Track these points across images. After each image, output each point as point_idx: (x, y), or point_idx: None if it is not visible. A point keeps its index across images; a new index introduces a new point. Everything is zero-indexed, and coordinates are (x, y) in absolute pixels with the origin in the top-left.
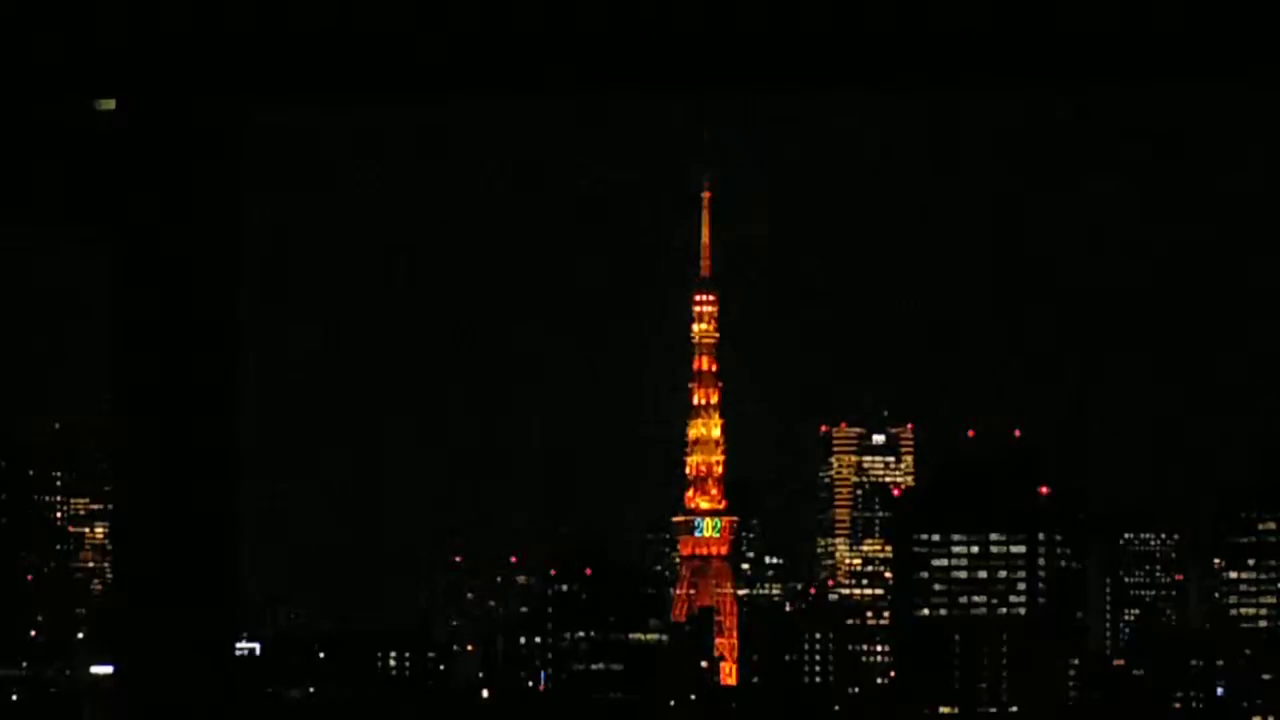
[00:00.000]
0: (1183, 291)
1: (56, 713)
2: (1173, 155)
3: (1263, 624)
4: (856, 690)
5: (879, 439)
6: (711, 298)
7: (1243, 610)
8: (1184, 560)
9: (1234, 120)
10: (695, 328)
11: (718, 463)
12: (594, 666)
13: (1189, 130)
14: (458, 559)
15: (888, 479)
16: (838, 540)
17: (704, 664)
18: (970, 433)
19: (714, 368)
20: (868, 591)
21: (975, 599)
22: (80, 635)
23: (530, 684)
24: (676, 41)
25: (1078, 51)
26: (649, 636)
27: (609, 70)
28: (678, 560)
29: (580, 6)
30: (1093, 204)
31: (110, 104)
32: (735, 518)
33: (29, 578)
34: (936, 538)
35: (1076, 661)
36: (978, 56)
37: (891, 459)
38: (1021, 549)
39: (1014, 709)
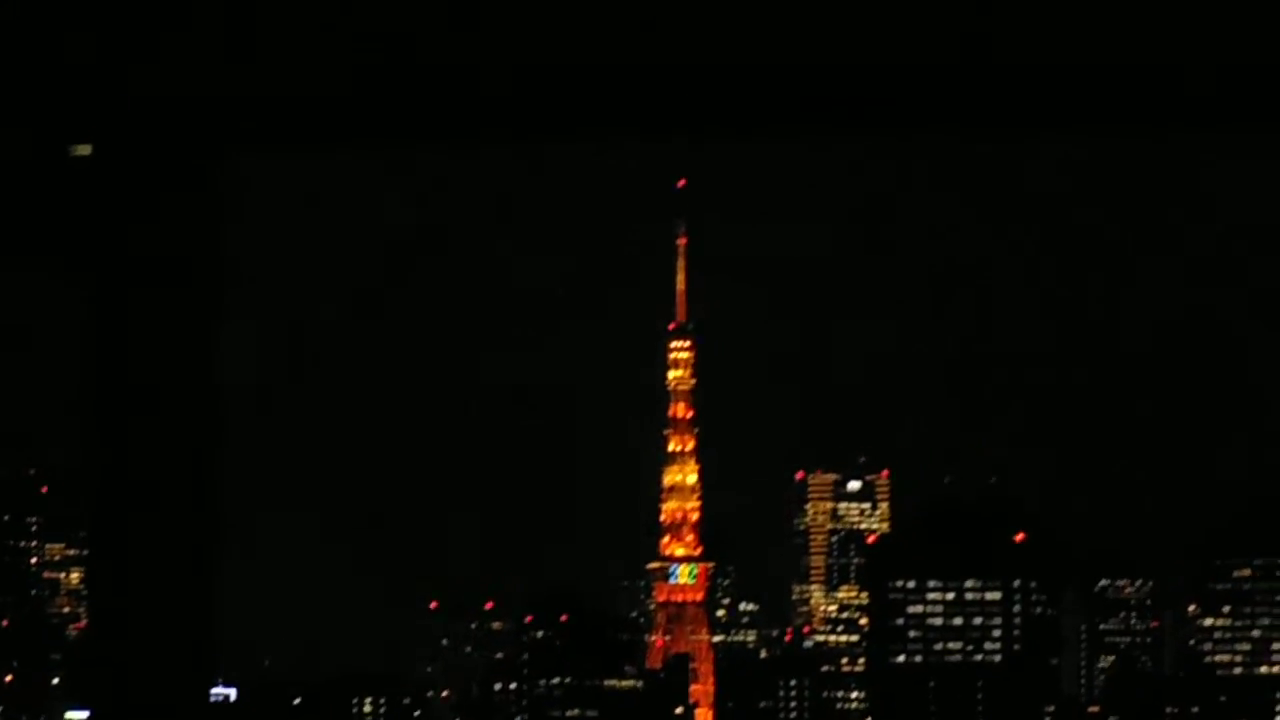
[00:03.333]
0: (1160, 339)
1: None
2: (1133, 208)
3: (1238, 671)
4: None
5: (854, 485)
6: (687, 344)
7: (1218, 657)
8: (1159, 607)
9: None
10: (671, 374)
11: (693, 509)
12: (569, 713)
13: (1141, 181)
14: (433, 605)
15: (863, 525)
16: (813, 587)
17: (679, 710)
18: (946, 479)
19: (690, 414)
20: (843, 638)
21: (950, 645)
22: (55, 681)
23: None
24: (654, 84)
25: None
26: (624, 683)
27: (590, 115)
28: (653, 607)
29: (566, 49)
30: (1074, 245)
31: (86, 149)
32: (711, 564)
33: (3, 623)
34: (912, 584)
35: (1052, 708)
36: (945, 99)
37: (867, 505)
38: (997, 595)
39: None
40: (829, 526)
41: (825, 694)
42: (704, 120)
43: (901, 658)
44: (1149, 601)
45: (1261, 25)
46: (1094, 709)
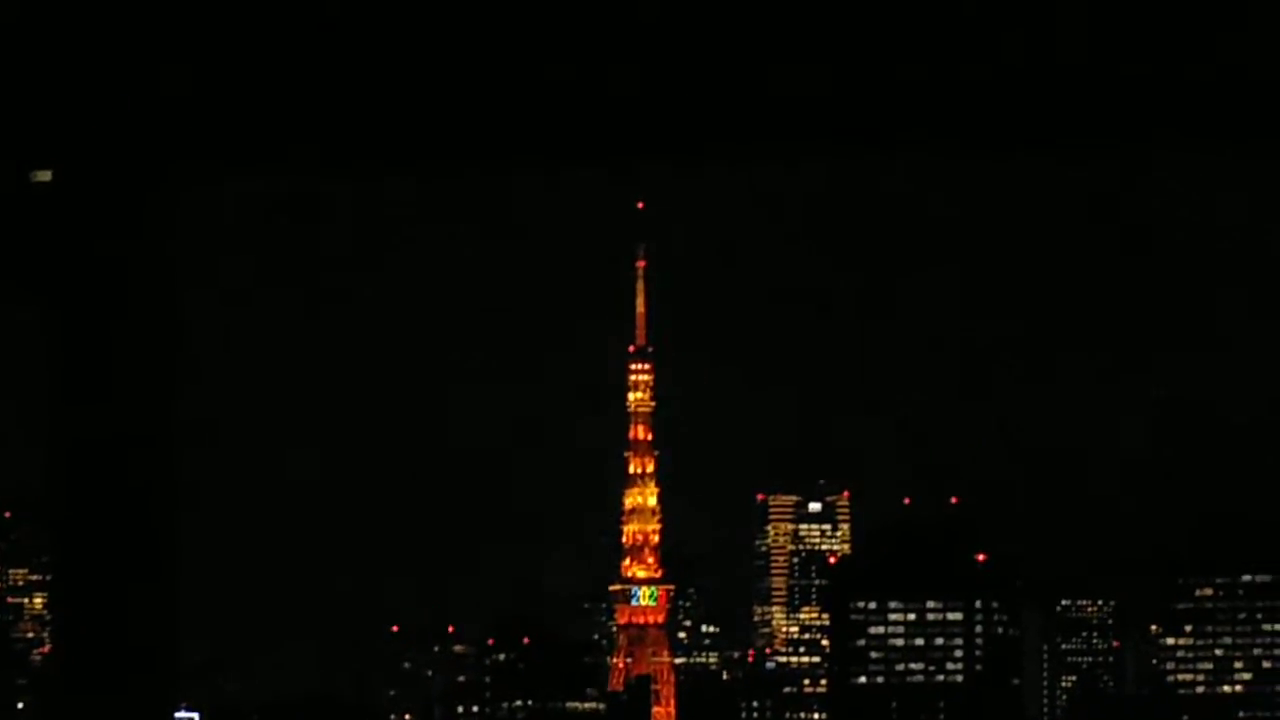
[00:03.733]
0: (1122, 358)
1: None
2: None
3: (1200, 690)
4: None
5: (815, 507)
6: (647, 366)
7: (1180, 677)
8: (1121, 627)
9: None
10: (631, 396)
11: (654, 531)
12: None
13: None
14: (394, 628)
15: (824, 547)
16: (774, 608)
17: None
18: (906, 500)
19: (649, 436)
20: (805, 659)
21: (912, 666)
22: (20, 706)
23: None
24: (620, 110)
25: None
26: (586, 706)
27: (565, 142)
28: (614, 629)
29: (537, 76)
30: (1037, 262)
31: (46, 175)
32: (672, 586)
33: None
34: (873, 605)
35: None
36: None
37: (828, 526)
38: (958, 616)
39: None
40: (790, 548)
41: (788, 715)
42: (658, 146)
43: (864, 679)
44: (1110, 621)
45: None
46: None
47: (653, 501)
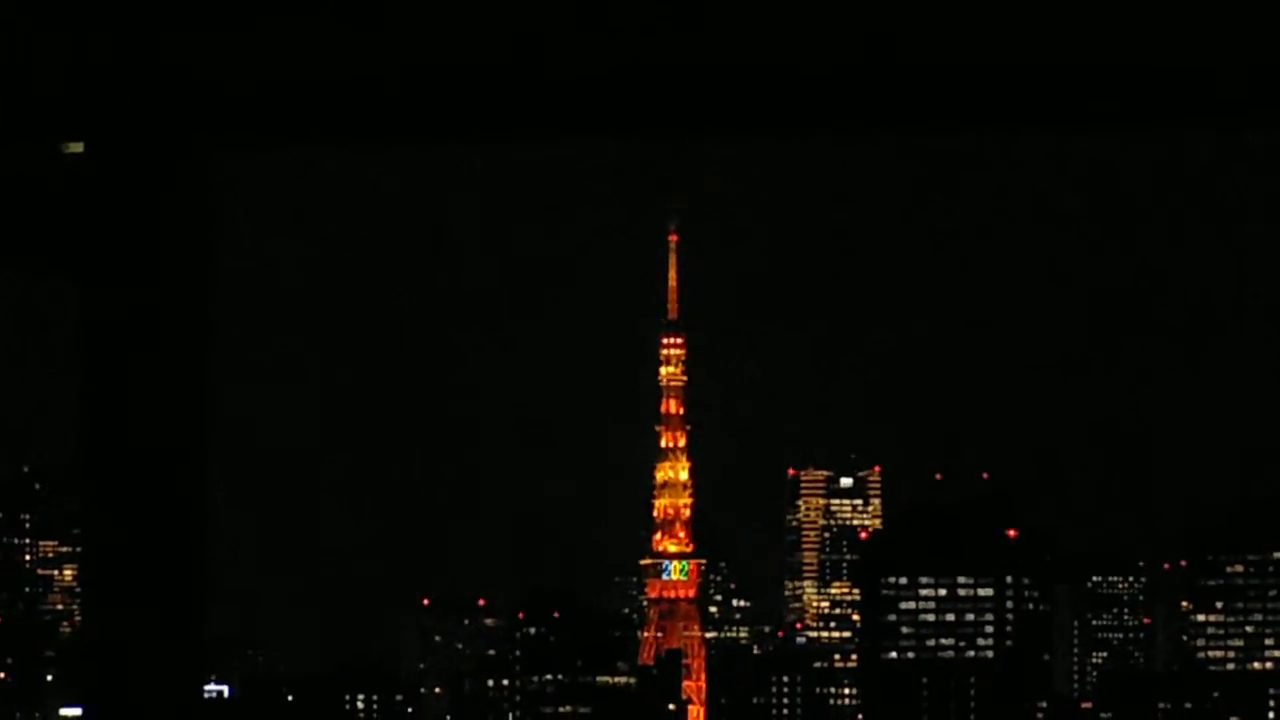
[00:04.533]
0: (1154, 338)
1: None
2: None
3: (1230, 666)
4: None
5: (846, 482)
6: (679, 340)
7: (1211, 653)
8: (1151, 603)
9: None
10: (663, 370)
11: (685, 506)
12: (562, 709)
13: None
14: (426, 601)
15: (855, 522)
16: (805, 583)
17: (671, 707)
18: (938, 475)
19: (681, 411)
20: (835, 634)
21: (943, 641)
22: (49, 678)
23: None
24: (651, 83)
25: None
26: (617, 679)
27: (585, 114)
28: (645, 603)
29: (556, 48)
30: (1062, 240)
31: (78, 147)
32: (703, 561)
33: None
34: (904, 580)
35: (1044, 704)
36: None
37: (859, 502)
38: (989, 592)
39: None
40: (821, 523)
41: (817, 690)
42: (696, 120)
43: (894, 654)
44: (1141, 597)
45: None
46: (1086, 705)
47: (684, 476)
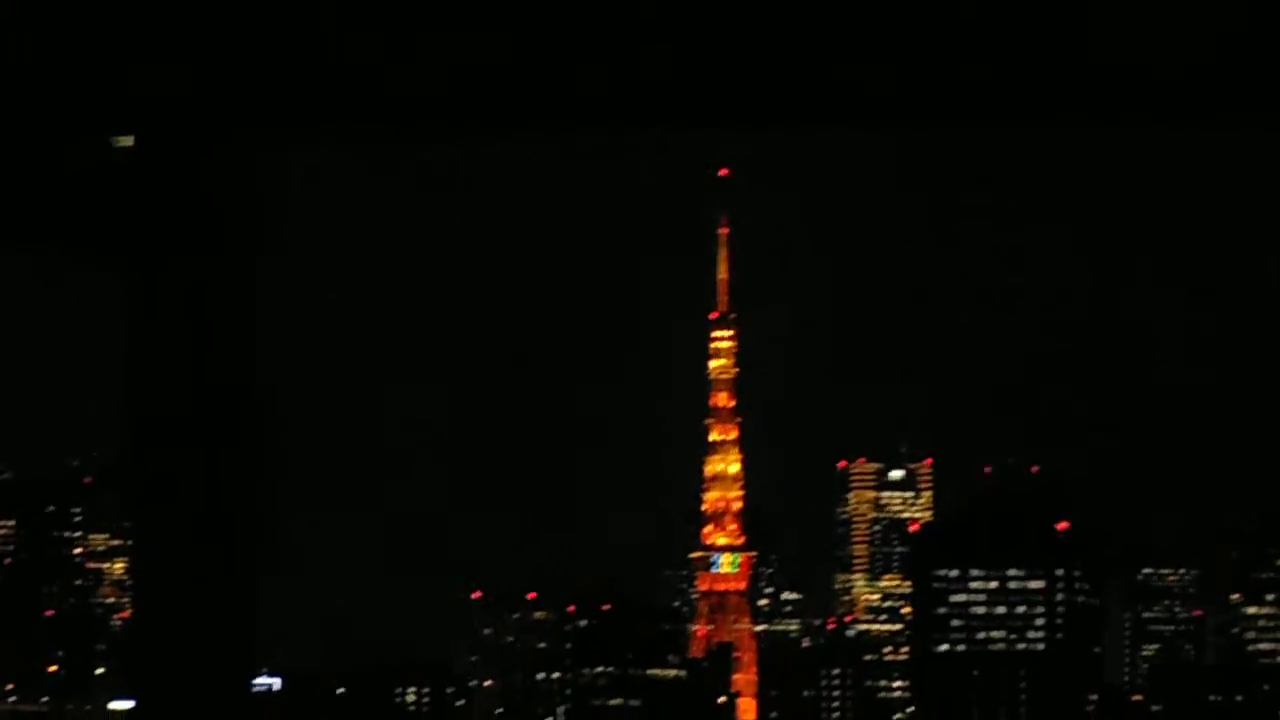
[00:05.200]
0: (1204, 327)
1: None
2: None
3: None
4: None
5: (897, 474)
6: (729, 333)
7: (1261, 646)
8: (1203, 596)
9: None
10: (712, 363)
11: (736, 498)
12: (612, 702)
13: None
14: (476, 594)
15: (905, 514)
16: (856, 576)
17: (721, 700)
18: (988, 468)
19: (731, 403)
20: (886, 627)
21: (994, 634)
22: (99, 671)
23: (548, 719)
24: (692, 76)
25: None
26: (667, 672)
27: (626, 107)
28: (695, 596)
29: (600, 44)
30: (1114, 233)
31: (129, 141)
32: (753, 553)
33: (48, 613)
34: (955, 573)
35: (1095, 697)
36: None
37: (910, 494)
38: (1040, 584)
39: None
40: (871, 515)
41: (868, 683)
42: (746, 112)
43: (944, 646)
44: (1192, 590)
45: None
46: (1137, 698)
47: (735, 468)
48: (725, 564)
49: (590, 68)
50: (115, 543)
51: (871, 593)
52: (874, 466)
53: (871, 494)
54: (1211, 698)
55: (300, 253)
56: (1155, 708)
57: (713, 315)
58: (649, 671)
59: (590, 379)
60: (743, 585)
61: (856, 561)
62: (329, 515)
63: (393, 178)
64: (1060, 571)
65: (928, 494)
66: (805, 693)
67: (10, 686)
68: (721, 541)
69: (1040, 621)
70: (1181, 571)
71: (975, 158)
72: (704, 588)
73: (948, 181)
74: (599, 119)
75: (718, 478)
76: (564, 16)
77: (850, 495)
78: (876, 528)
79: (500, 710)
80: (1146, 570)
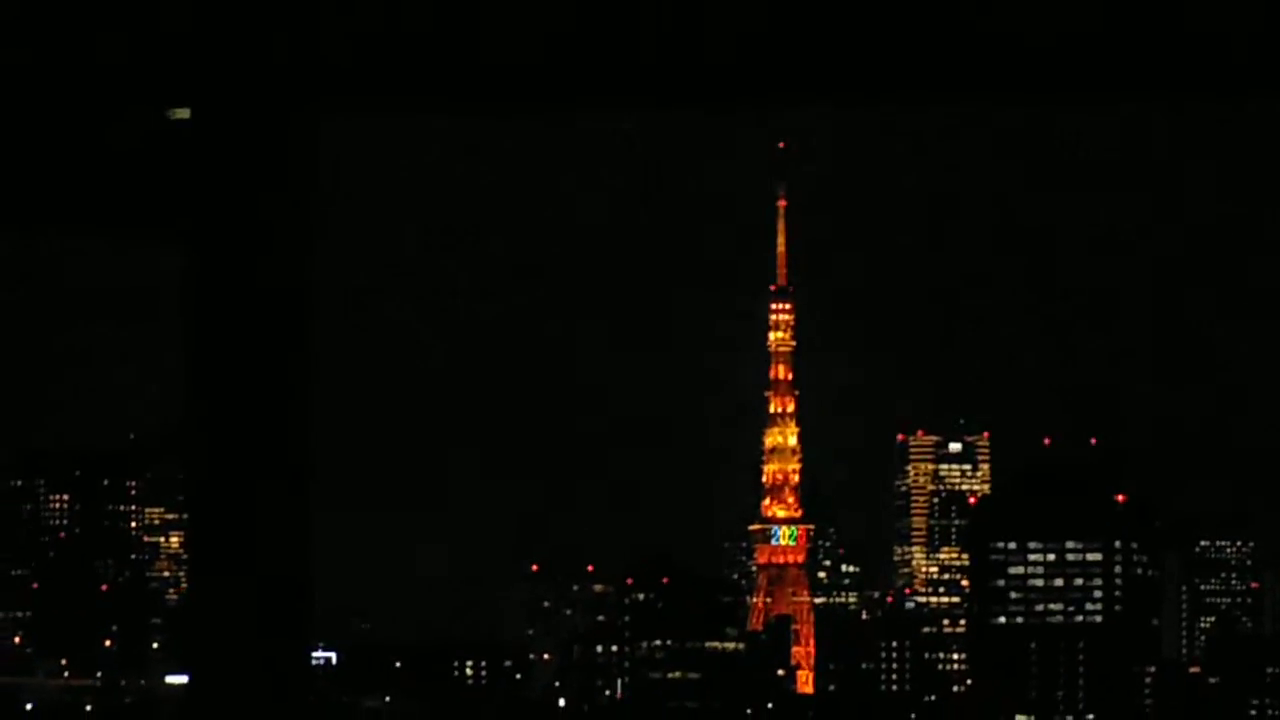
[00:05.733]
0: (1262, 302)
1: None
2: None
3: None
4: (933, 698)
5: (955, 447)
6: (788, 306)
7: None
8: (1260, 568)
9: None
10: (771, 336)
11: (794, 471)
12: (670, 675)
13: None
14: (534, 568)
15: (964, 487)
16: (914, 548)
17: (780, 672)
18: (1046, 440)
19: (790, 376)
20: (944, 599)
21: (1051, 607)
22: (155, 645)
23: (607, 693)
24: (742, 54)
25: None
26: (726, 645)
27: (674, 87)
28: (754, 568)
29: (647, 23)
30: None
31: (185, 113)
32: (811, 526)
33: (104, 588)
34: (1013, 546)
35: (1153, 669)
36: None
37: (968, 467)
38: (1098, 556)
39: (1090, 716)
40: (930, 488)
41: (926, 655)
42: (805, 87)
43: (1003, 619)
44: (1249, 562)
45: None
46: (1195, 669)
47: (793, 441)
48: (784, 536)
49: (650, 43)
50: (170, 517)
51: (930, 565)
52: (932, 439)
53: (930, 466)
54: (1269, 669)
55: (349, 223)
56: (1213, 679)
57: (772, 288)
58: (707, 644)
59: (651, 352)
60: (801, 558)
61: (915, 534)
62: (385, 484)
63: (456, 151)
64: (1118, 544)
65: (986, 467)
66: (864, 665)
67: (64, 661)
68: (780, 514)
69: (1098, 594)
70: (1239, 544)
71: (1045, 132)
72: (763, 560)
73: (1001, 159)
74: (656, 96)
75: (776, 450)
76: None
77: (909, 468)
78: (935, 500)
79: (558, 684)
80: (1204, 543)
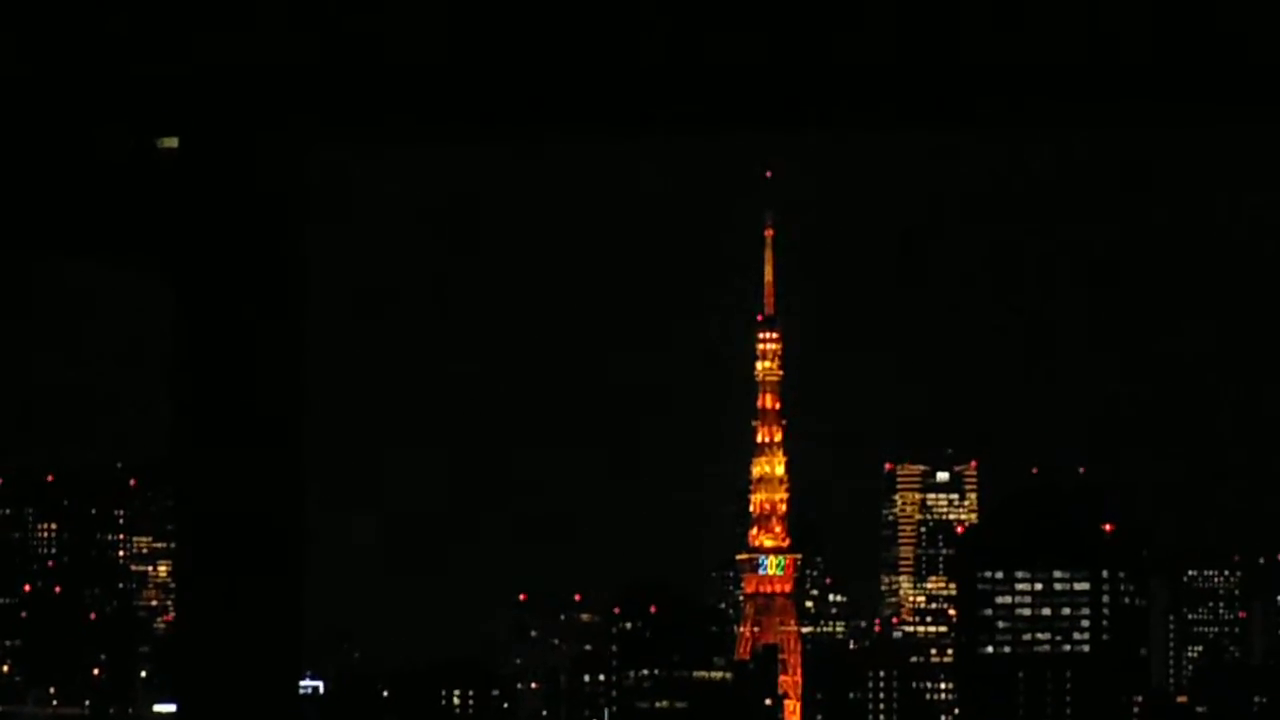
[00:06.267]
0: (1244, 326)
1: None
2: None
3: None
4: None
5: (943, 476)
6: (775, 335)
7: None
8: (1247, 597)
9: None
10: (759, 365)
11: (781, 500)
12: (658, 704)
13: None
14: (522, 596)
15: (951, 516)
16: (901, 578)
17: (768, 702)
18: (1034, 470)
19: (777, 405)
20: (931, 629)
21: (1039, 636)
22: (143, 674)
23: None
24: (734, 79)
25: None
26: (713, 674)
27: (662, 109)
28: (742, 598)
29: (640, 44)
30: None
31: (173, 142)
32: (799, 555)
33: (92, 616)
34: (1000, 575)
35: (1140, 698)
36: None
37: (955, 496)
38: (1085, 586)
39: None
40: (917, 517)
41: (914, 685)
42: (788, 115)
43: (990, 648)
44: (1237, 592)
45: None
46: (1182, 699)
47: (780, 470)
48: (771, 566)
49: (650, 67)
50: (159, 545)
51: (917, 594)
52: (919, 469)
53: (917, 496)
54: (1257, 699)
55: (346, 236)
56: (1200, 709)
57: (759, 317)
58: (695, 674)
59: (636, 381)
60: (789, 587)
61: (902, 563)
62: (374, 515)
63: (446, 176)
64: (1106, 573)
65: (973, 496)
66: (851, 694)
67: (53, 690)
68: (768, 543)
69: (1085, 623)
70: (1226, 573)
71: (1032, 158)
72: (750, 589)
73: (986, 184)
74: (655, 122)
75: (763, 480)
76: (618, 14)
77: (896, 497)
78: (922, 530)
79: (546, 713)
80: (1191, 572)
